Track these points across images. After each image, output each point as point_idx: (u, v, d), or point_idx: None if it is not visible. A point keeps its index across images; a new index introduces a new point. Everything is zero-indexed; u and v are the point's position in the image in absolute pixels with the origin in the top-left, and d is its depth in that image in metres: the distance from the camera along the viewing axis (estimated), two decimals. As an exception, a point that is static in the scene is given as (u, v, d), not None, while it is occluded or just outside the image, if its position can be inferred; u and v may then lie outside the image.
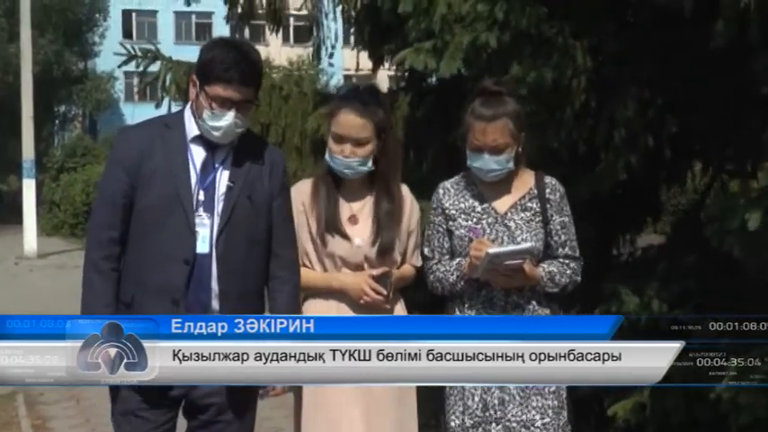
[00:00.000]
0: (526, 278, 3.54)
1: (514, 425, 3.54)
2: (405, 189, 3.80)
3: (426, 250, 3.75)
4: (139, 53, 6.86)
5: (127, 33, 46.27)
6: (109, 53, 31.42)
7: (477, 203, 3.64)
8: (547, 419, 3.56)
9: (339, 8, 8.07)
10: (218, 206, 3.36)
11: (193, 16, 45.44)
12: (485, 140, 3.52)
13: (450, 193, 3.70)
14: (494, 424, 3.55)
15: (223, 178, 3.39)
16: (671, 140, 4.93)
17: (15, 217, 25.19)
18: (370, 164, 3.63)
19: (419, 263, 3.82)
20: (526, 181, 3.67)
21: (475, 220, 3.63)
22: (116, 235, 3.36)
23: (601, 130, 4.80)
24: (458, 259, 3.64)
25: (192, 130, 3.42)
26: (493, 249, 3.44)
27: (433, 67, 4.83)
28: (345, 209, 3.69)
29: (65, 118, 42.65)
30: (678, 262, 5.04)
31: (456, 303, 3.67)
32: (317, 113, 6.61)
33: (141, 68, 6.89)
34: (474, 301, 3.61)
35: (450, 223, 3.66)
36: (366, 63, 7.84)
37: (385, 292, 3.58)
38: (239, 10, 8.05)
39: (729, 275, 4.46)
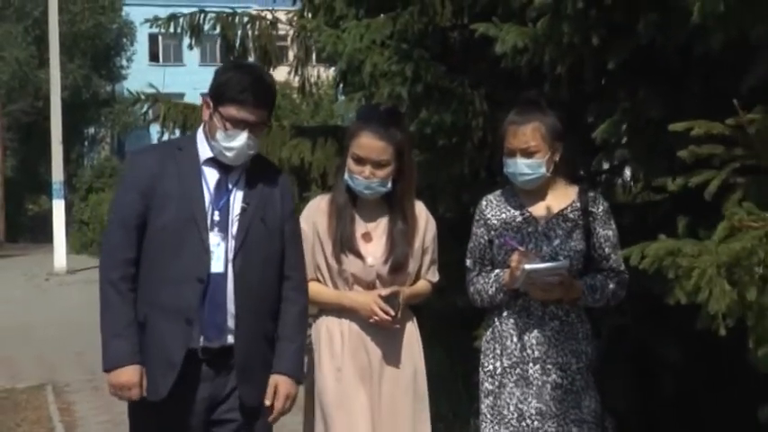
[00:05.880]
0: (565, 293, 3.49)
1: None
2: (420, 205, 3.76)
3: (468, 262, 3.72)
4: (143, 97, 8.07)
5: (153, 56, 46.77)
6: (136, 76, 32.08)
7: (517, 213, 3.61)
8: None
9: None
10: (233, 227, 3.34)
11: (219, 39, 45.70)
12: (516, 143, 3.52)
13: (492, 204, 3.68)
14: None
15: (237, 200, 3.37)
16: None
17: (46, 236, 26.34)
18: (389, 185, 3.61)
19: (435, 278, 3.81)
20: (569, 194, 3.64)
21: (516, 229, 3.58)
22: (132, 256, 3.31)
23: (496, 159, 5.91)
24: (496, 271, 3.62)
25: (204, 152, 3.40)
26: (530, 265, 3.41)
27: (363, 112, 6.05)
28: (360, 226, 3.66)
29: (93, 140, 43.28)
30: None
31: (494, 314, 3.66)
32: (289, 144, 7.78)
33: (145, 110, 8.10)
34: (511, 311, 3.58)
35: (492, 233, 3.64)
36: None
37: (393, 312, 3.55)
38: (235, 54, 9.27)
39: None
